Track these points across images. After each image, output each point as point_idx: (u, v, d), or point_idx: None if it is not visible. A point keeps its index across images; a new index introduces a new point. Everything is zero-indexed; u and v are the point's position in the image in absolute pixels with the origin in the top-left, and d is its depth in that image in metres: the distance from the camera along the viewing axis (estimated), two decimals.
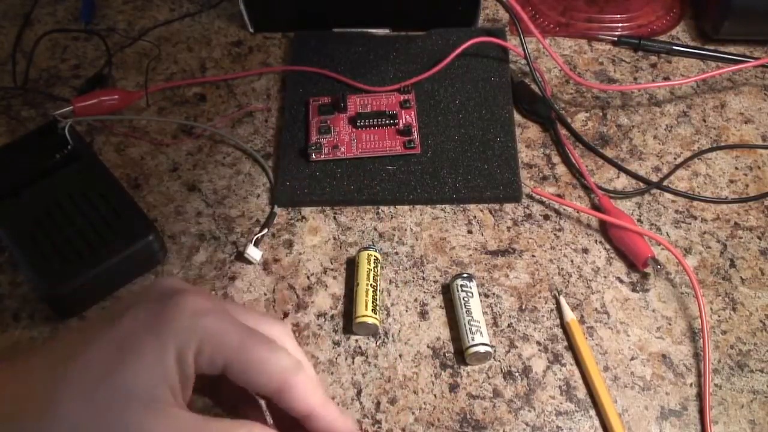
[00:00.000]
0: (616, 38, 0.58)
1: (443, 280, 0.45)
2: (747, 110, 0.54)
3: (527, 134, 0.53)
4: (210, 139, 0.53)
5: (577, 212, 0.48)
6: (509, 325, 0.43)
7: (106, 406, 0.28)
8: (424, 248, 0.47)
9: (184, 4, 0.62)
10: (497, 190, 0.49)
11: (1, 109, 0.54)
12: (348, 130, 0.51)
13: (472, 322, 0.42)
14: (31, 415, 0.28)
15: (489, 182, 0.49)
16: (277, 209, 0.49)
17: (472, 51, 0.55)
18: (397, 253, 0.47)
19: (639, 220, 0.48)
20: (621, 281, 0.45)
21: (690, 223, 0.48)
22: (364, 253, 0.44)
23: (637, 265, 0.45)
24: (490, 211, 0.49)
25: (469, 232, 0.48)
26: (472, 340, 0.41)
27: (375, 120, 0.51)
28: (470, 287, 0.43)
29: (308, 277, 0.46)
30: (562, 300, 0.44)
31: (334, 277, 0.46)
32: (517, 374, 0.42)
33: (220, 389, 0.34)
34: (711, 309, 0.44)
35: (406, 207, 0.49)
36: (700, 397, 0.41)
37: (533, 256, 0.46)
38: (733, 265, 0.46)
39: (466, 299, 0.43)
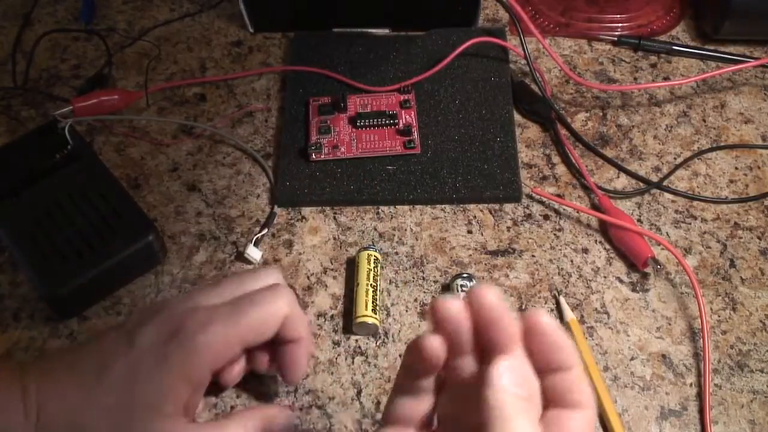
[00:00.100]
0: (616, 38, 0.58)
1: (443, 280, 0.45)
2: (747, 110, 0.54)
3: (527, 134, 0.53)
4: (210, 139, 0.53)
5: (577, 212, 0.48)
6: None
7: (126, 423, 0.33)
8: (424, 248, 0.47)
9: (184, 4, 0.62)
10: (497, 190, 0.49)
11: (1, 109, 0.54)
12: (348, 130, 0.51)
13: None
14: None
15: (489, 182, 0.49)
16: (277, 209, 0.49)
17: (472, 51, 0.55)
18: (397, 253, 0.47)
19: (639, 220, 0.48)
20: (621, 281, 0.45)
21: (690, 223, 0.48)
22: (364, 253, 0.44)
23: (637, 265, 0.45)
24: (490, 211, 0.49)
25: (469, 232, 0.48)
26: None
27: (375, 120, 0.51)
28: (470, 287, 0.43)
29: (308, 277, 0.46)
30: (562, 300, 0.44)
31: (334, 277, 0.46)
32: None
33: None
34: (711, 309, 0.44)
35: (406, 207, 0.49)
36: (700, 397, 0.41)
37: (533, 256, 0.46)
38: (733, 265, 0.46)
39: None
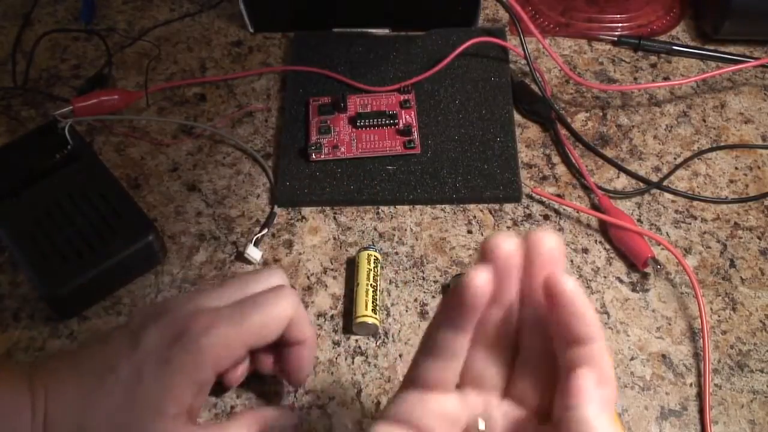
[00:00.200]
0: (616, 38, 0.58)
1: (443, 280, 0.45)
2: (747, 110, 0.54)
3: (527, 134, 0.53)
4: (210, 139, 0.53)
5: (577, 212, 0.48)
6: None
7: (129, 425, 0.33)
8: (424, 248, 0.47)
9: (184, 4, 0.62)
10: (497, 190, 0.49)
11: (1, 109, 0.54)
12: (348, 130, 0.51)
13: None
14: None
15: (489, 182, 0.49)
16: (277, 209, 0.49)
17: (472, 51, 0.55)
18: (397, 253, 0.47)
19: (639, 220, 0.48)
20: (621, 281, 0.45)
21: (690, 223, 0.48)
22: (364, 253, 0.44)
23: (637, 265, 0.45)
24: (490, 211, 0.49)
25: (469, 232, 0.48)
26: None
27: (375, 120, 0.51)
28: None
29: (308, 277, 0.46)
30: None
31: (334, 277, 0.46)
32: None
33: None
34: (711, 309, 0.44)
35: (406, 207, 0.49)
36: (700, 397, 0.41)
37: None
38: (733, 265, 0.46)
39: None
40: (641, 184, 0.50)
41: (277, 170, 0.50)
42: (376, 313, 0.42)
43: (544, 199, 0.49)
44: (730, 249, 0.47)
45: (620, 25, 0.59)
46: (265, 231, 0.47)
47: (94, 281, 0.43)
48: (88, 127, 0.53)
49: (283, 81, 0.56)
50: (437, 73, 0.54)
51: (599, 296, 0.45)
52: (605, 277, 0.46)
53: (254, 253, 0.46)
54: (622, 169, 0.50)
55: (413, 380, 0.28)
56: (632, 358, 0.42)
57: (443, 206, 0.49)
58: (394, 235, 0.47)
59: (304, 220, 0.48)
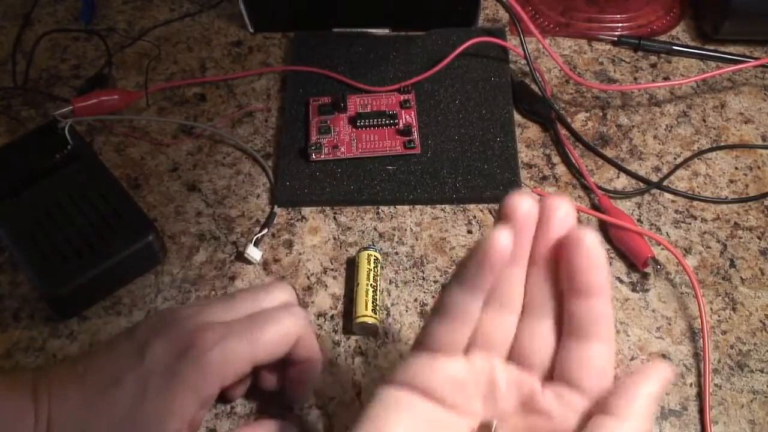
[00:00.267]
0: (616, 38, 0.58)
1: (443, 280, 0.45)
2: (747, 110, 0.54)
3: (527, 134, 0.53)
4: (210, 139, 0.53)
5: (577, 212, 0.48)
6: None
7: None
8: (424, 248, 0.47)
9: (184, 4, 0.62)
10: (497, 190, 0.49)
11: (1, 109, 0.54)
12: (348, 130, 0.51)
13: None
14: None
15: (489, 182, 0.49)
16: (277, 209, 0.49)
17: (472, 51, 0.55)
18: (397, 253, 0.47)
19: (639, 220, 0.48)
20: (621, 281, 0.45)
21: (690, 223, 0.48)
22: (364, 253, 0.44)
23: (637, 265, 0.45)
24: (490, 211, 0.49)
25: (469, 232, 0.48)
26: None
27: (375, 120, 0.51)
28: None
29: (308, 277, 0.46)
30: None
31: (334, 277, 0.46)
32: None
33: None
34: (711, 309, 0.44)
35: (406, 207, 0.49)
36: (700, 397, 0.41)
37: None
38: (733, 265, 0.46)
39: None
40: (641, 184, 0.50)
41: (277, 170, 0.50)
42: (376, 313, 0.42)
43: None
44: (730, 249, 0.47)
45: (620, 25, 0.59)
46: (265, 231, 0.47)
47: (94, 281, 0.43)
48: (88, 127, 0.53)
49: (283, 81, 0.56)
50: (437, 73, 0.54)
51: None
52: None
53: (254, 253, 0.46)
54: (622, 169, 0.50)
55: (423, 344, 0.29)
56: (632, 358, 0.42)
57: (443, 206, 0.49)
58: (394, 235, 0.47)
59: (304, 220, 0.48)
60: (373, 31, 0.58)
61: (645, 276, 0.46)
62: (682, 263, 0.44)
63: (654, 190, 0.50)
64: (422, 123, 0.52)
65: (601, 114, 0.54)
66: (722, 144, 0.52)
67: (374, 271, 0.44)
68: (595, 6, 0.60)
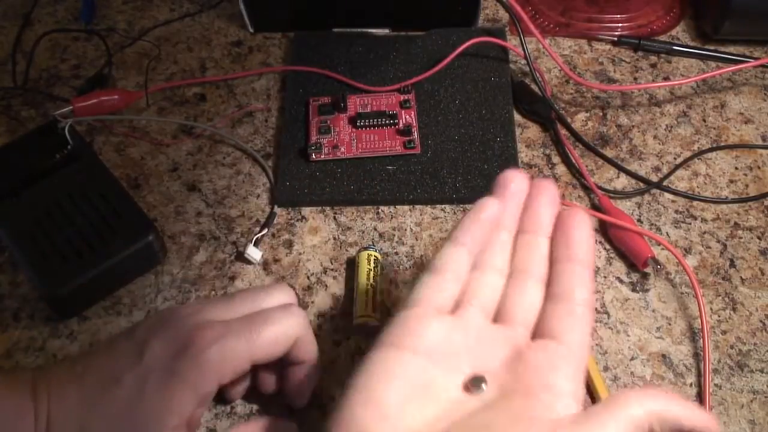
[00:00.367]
0: (616, 38, 0.58)
1: None
2: (747, 110, 0.54)
3: (527, 134, 0.53)
4: (210, 139, 0.53)
5: None
6: None
7: None
8: (424, 248, 0.47)
9: (184, 4, 0.62)
10: None
11: (1, 109, 0.54)
12: (348, 130, 0.51)
13: None
14: None
15: (489, 182, 0.48)
16: (277, 209, 0.49)
17: (472, 51, 0.55)
18: (397, 253, 0.47)
19: (639, 220, 0.48)
20: (621, 281, 0.45)
21: (690, 223, 0.48)
22: (364, 253, 0.44)
23: (637, 265, 0.45)
24: None
25: None
26: None
27: (375, 120, 0.51)
28: None
29: (308, 277, 0.46)
30: None
31: (334, 277, 0.46)
32: None
33: None
34: (711, 309, 0.44)
35: (406, 207, 0.49)
36: (700, 397, 0.41)
37: None
38: (733, 265, 0.46)
39: None
40: (641, 184, 0.50)
41: (277, 170, 0.50)
42: (376, 313, 0.42)
43: None
44: (730, 249, 0.47)
45: (620, 25, 0.59)
46: (265, 231, 0.47)
47: (94, 281, 0.43)
48: (88, 127, 0.53)
49: (283, 81, 0.56)
50: (437, 73, 0.54)
51: (599, 296, 0.45)
52: (605, 277, 0.46)
53: (254, 253, 0.46)
54: (622, 169, 0.50)
55: (412, 301, 0.30)
56: (632, 358, 0.42)
57: (443, 206, 0.49)
58: (394, 235, 0.47)
59: (304, 220, 0.48)
60: (373, 31, 0.58)
61: (645, 276, 0.46)
62: (682, 263, 0.44)
63: (654, 190, 0.50)
64: (422, 123, 0.52)
65: (601, 114, 0.54)
66: (722, 144, 0.52)
67: (374, 271, 0.44)
68: (595, 6, 0.60)
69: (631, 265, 0.46)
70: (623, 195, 0.49)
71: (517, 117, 0.53)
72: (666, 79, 0.56)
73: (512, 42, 0.56)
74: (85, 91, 0.53)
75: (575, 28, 0.59)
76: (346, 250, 0.47)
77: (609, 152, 0.52)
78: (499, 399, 0.28)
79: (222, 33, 0.59)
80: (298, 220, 0.48)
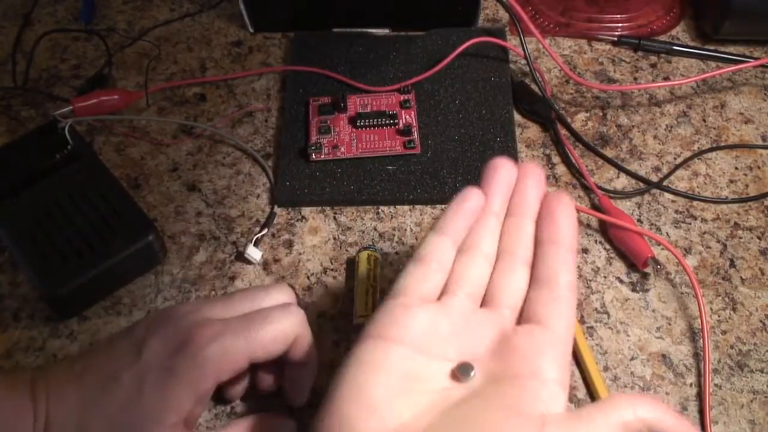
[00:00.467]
0: (616, 38, 0.58)
1: None
2: (747, 110, 0.54)
3: (527, 134, 0.53)
4: (210, 139, 0.53)
5: (577, 212, 0.48)
6: None
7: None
8: None
9: (184, 4, 0.62)
10: None
11: (1, 109, 0.54)
12: (348, 130, 0.51)
13: None
14: None
15: None
16: (277, 209, 0.49)
17: (472, 51, 0.55)
18: (397, 253, 0.47)
19: (639, 220, 0.48)
20: (621, 281, 0.45)
21: (690, 223, 0.48)
22: (364, 253, 0.44)
23: (637, 265, 0.45)
24: None
25: None
26: None
27: (375, 120, 0.51)
28: None
29: (308, 277, 0.46)
30: None
31: (334, 277, 0.46)
32: None
33: None
34: (711, 309, 0.44)
35: (406, 207, 0.49)
36: (700, 397, 0.41)
37: None
38: (733, 265, 0.46)
39: None
40: (641, 184, 0.50)
41: (277, 170, 0.50)
42: None
43: None
44: (730, 249, 0.47)
45: (620, 25, 0.59)
46: (265, 231, 0.47)
47: (94, 281, 0.43)
48: (88, 127, 0.53)
49: (283, 81, 0.56)
50: (437, 73, 0.54)
51: (599, 296, 0.45)
52: (605, 277, 0.46)
53: (254, 253, 0.46)
54: (622, 169, 0.50)
55: (397, 291, 0.31)
56: (632, 358, 0.42)
57: (443, 206, 0.49)
58: (394, 235, 0.47)
59: (304, 220, 0.48)
60: (373, 31, 0.58)
61: (645, 276, 0.46)
62: (682, 263, 0.44)
63: (654, 190, 0.50)
64: (422, 123, 0.52)
65: (601, 114, 0.54)
66: (722, 144, 0.52)
67: (374, 271, 0.44)
68: (595, 6, 0.60)
69: (631, 265, 0.46)
70: (623, 195, 0.49)
71: (517, 117, 0.53)
72: (666, 79, 0.56)
73: (512, 42, 0.56)
74: (85, 91, 0.54)
75: (575, 28, 0.59)
76: (346, 250, 0.47)
77: (609, 152, 0.52)
78: (486, 385, 0.28)
79: (222, 33, 0.59)
80: (298, 220, 0.48)
